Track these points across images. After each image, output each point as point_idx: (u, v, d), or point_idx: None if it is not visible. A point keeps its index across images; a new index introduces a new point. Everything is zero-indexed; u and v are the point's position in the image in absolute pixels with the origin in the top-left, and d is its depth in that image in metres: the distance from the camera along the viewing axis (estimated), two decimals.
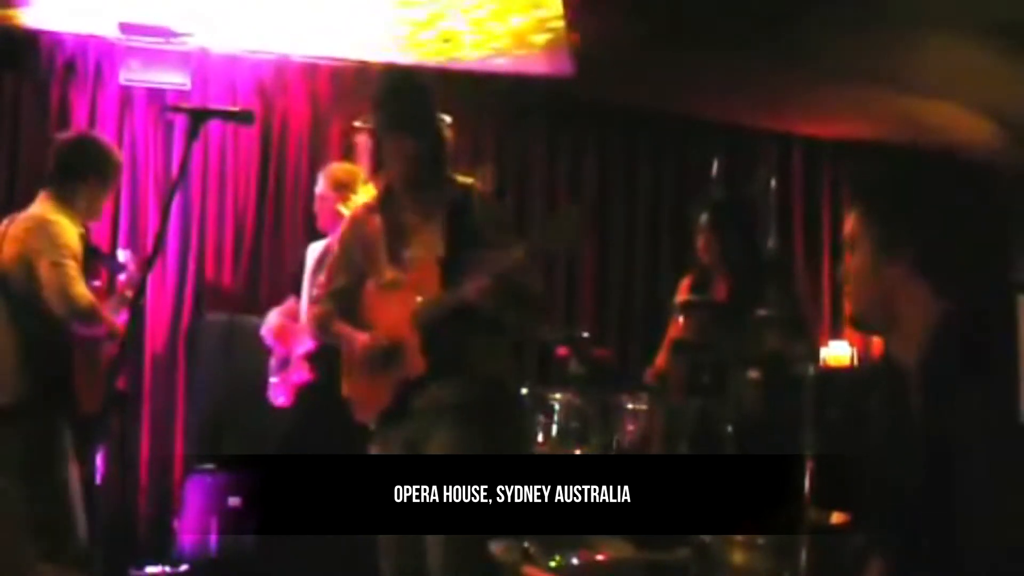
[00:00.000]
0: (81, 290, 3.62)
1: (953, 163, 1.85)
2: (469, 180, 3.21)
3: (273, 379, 4.56)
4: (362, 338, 3.14)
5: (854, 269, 1.85)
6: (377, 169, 3.21)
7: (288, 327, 4.55)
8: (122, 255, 4.11)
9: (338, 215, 4.31)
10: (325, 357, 4.09)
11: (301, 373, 4.43)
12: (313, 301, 3.45)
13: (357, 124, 3.27)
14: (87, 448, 3.90)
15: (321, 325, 3.35)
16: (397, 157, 3.10)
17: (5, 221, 3.83)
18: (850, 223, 1.85)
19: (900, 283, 1.76)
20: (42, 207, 3.77)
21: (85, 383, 3.72)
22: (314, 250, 4.55)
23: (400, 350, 3.05)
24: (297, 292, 4.64)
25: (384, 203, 3.21)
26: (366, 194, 4.48)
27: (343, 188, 4.41)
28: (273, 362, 4.58)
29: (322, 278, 3.45)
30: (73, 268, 3.63)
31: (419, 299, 3.02)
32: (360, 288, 3.23)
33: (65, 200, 3.79)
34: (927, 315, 1.73)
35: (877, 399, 1.93)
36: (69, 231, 3.70)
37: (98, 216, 4.06)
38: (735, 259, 4.26)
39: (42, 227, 3.68)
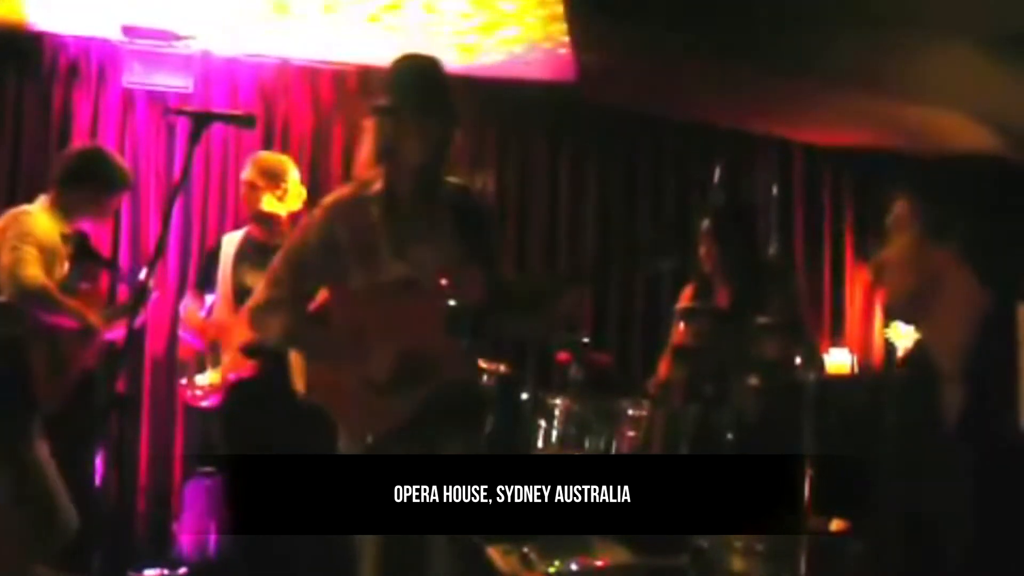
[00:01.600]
0: (31, 271, 3.60)
1: (1001, 159, 1.83)
2: (461, 181, 3.05)
3: (192, 378, 4.35)
4: (383, 354, 2.81)
5: (897, 254, 1.80)
6: (384, 156, 2.90)
7: (216, 320, 4.35)
8: (143, 274, 4.11)
9: (264, 204, 4.30)
10: (265, 349, 4.01)
11: (237, 369, 4.22)
12: (268, 303, 2.96)
13: (378, 104, 2.92)
14: (86, 450, 3.91)
15: (290, 333, 3.00)
16: (421, 144, 2.84)
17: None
18: (898, 207, 1.82)
19: (946, 268, 1.72)
20: (32, 205, 3.81)
21: (44, 375, 3.71)
22: (231, 241, 4.45)
23: (430, 361, 2.79)
24: (204, 286, 4.49)
25: (388, 194, 2.92)
26: (294, 185, 4.38)
27: (273, 177, 4.35)
28: (187, 360, 4.39)
29: (274, 274, 2.99)
30: (29, 253, 3.62)
31: (451, 303, 2.77)
32: (339, 287, 2.93)
33: (57, 202, 3.83)
34: (970, 305, 1.71)
35: (897, 402, 1.92)
36: (41, 224, 3.72)
37: (102, 220, 4.08)
38: (736, 266, 4.26)
39: (14, 218, 3.71)
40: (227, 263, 4.38)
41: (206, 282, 4.49)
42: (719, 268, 4.30)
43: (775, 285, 4.08)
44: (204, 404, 4.35)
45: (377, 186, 2.92)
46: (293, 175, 4.42)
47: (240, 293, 4.26)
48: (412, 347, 2.79)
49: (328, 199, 3.02)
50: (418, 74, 2.91)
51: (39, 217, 3.74)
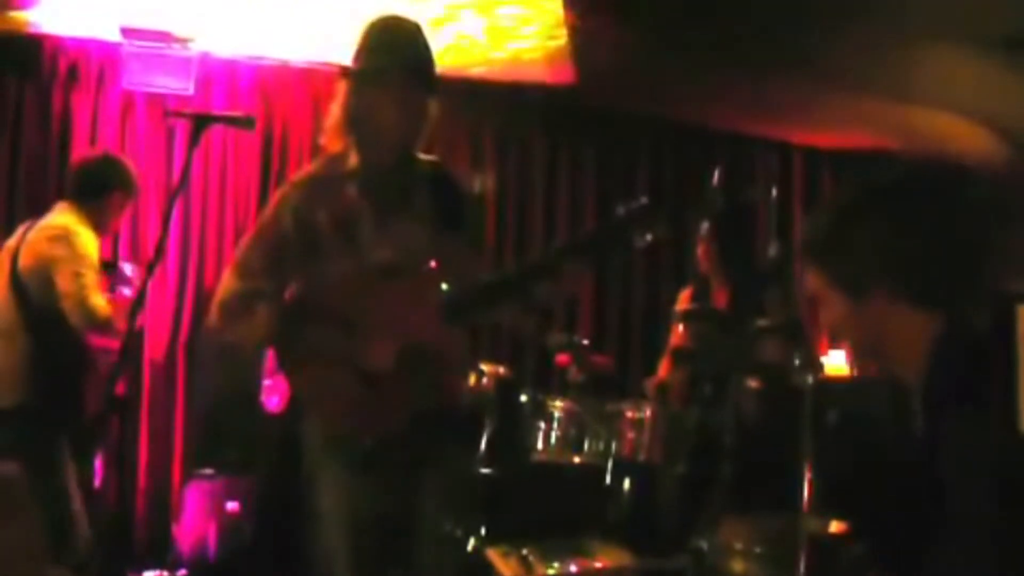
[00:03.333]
0: (100, 301, 3.70)
1: (904, 185, 1.80)
2: (434, 158, 2.78)
3: (267, 381, 4.45)
4: (382, 345, 2.55)
5: (833, 322, 1.82)
6: (357, 125, 2.64)
7: None
8: (128, 268, 4.14)
9: None
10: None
11: None
12: (242, 296, 2.63)
13: (355, 67, 2.66)
14: (86, 452, 3.92)
15: (274, 329, 2.61)
16: (401, 114, 2.59)
17: (22, 228, 3.89)
18: (811, 284, 1.83)
19: (882, 315, 1.74)
20: (65, 218, 3.84)
21: (92, 388, 3.76)
22: None
23: (431, 350, 2.56)
24: None
25: (364, 170, 2.66)
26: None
27: None
28: (269, 362, 4.45)
29: (244, 264, 2.67)
30: (91, 279, 3.71)
31: (444, 288, 2.54)
32: (321, 275, 2.63)
33: (87, 214, 3.88)
34: (921, 336, 1.72)
35: (879, 411, 1.94)
36: (90, 243, 3.78)
37: (112, 231, 4.13)
38: (735, 268, 4.26)
39: (64, 237, 3.75)
40: None
41: None
42: (718, 270, 4.31)
43: (774, 287, 4.08)
44: (273, 405, 4.43)
45: (352, 161, 2.67)
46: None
47: None
48: (412, 335, 2.54)
49: (298, 177, 2.77)
50: (401, 38, 2.67)
51: (85, 236, 3.79)
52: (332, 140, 2.70)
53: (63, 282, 3.65)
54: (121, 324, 3.79)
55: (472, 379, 4.12)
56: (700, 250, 4.35)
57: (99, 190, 3.92)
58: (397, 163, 2.66)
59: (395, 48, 2.62)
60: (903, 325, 1.73)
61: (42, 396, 3.68)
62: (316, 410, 2.65)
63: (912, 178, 1.78)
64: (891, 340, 1.76)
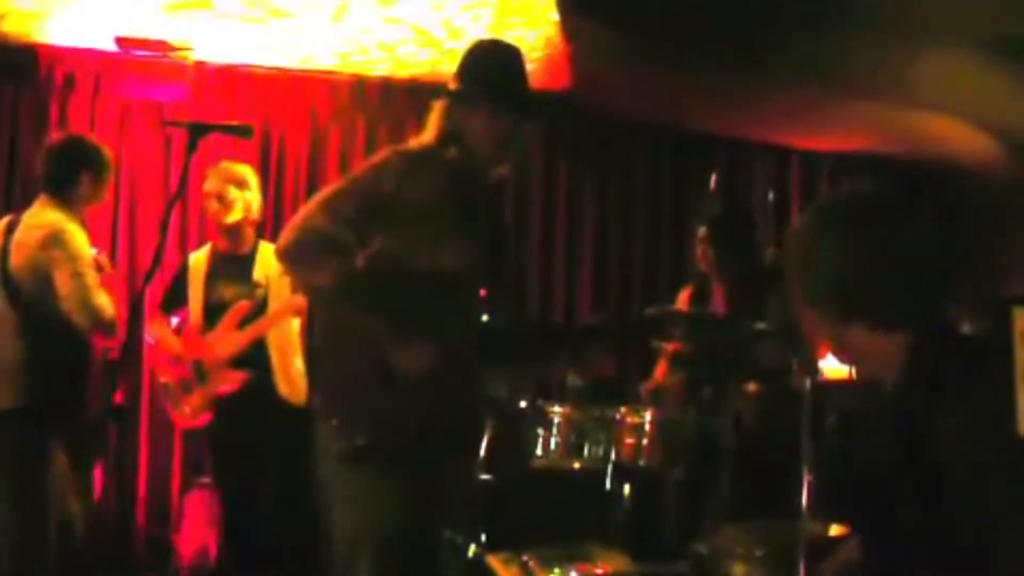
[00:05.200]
0: (103, 300, 3.67)
1: (851, 211, 1.82)
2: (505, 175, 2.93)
3: (179, 401, 4.26)
4: (421, 350, 2.52)
5: (814, 334, 1.89)
6: (449, 140, 2.70)
7: (194, 339, 4.29)
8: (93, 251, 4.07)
9: (232, 214, 4.30)
10: (256, 358, 4.04)
11: (228, 381, 4.20)
12: (325, 237, 2.53)
13: (455, 90, 2.75)
14: (84, 459, 3.92)
15: (347, 282, 2.55)
16: (497, 136, 2.71)
17: (4, 220, 3.83)
18: (776, 313, 1.90)
19: (859, 343, 1.78)
20: (50, 215, 3.77)
21: (93, 389, 3.75)
22: (198, 259, 4.43)
23: (461, 368, 2.57)
24: (170, 307, 4.45)
25: (458, 164, 2.70)
26: (256, 193, 4.34)
27: (240, 186, 4.35)
28: (171, 383, 4.31)
29: (332, 208, 2.57)
30: (92, 278, 3.68)
31: (485, 318, 2.62)
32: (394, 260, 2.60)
33: (65, 201, 3.81)
34: (895, 353, 1.73)
35: (875, 413, 1.94)
36: (81, 239, 3.74)
37: (99, 202, 4.05)
38: (733, 272, 4.27)
39: (56, 236, 3.69)
40: (197, 281, 4.36)
41: (173, 303, 4.46)
42: (716, 274, 4.31)
43: (772, 291, 4.09)
44: (196, 423, 4.31)
45: (452, 152, 2.70)
46: (255, 182, 4.43)
47: (215, 309, 4.27)
48: (451, 348, 2.53)
49: (402, 147, 2.75)
50: (523, 70, 2.80)
51: (76, 232, 3.74)
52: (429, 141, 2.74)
53: (63, 284, 3.62)
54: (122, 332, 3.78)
55: None
56: (698, 252, 4.36)
57: (68, 173, 3.82)
58: (480, 172, 2.74)
59: (523, 84, 2.78)
60: (879, 347, 1.75)
61: (40, 398, 3.65)
62: (335, 398, 2.60)
63: (857, 204, 1.80)
64: (869, 360, 1.81)
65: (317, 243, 2.55)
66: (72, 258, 3.65)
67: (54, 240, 3.68)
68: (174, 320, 4.42)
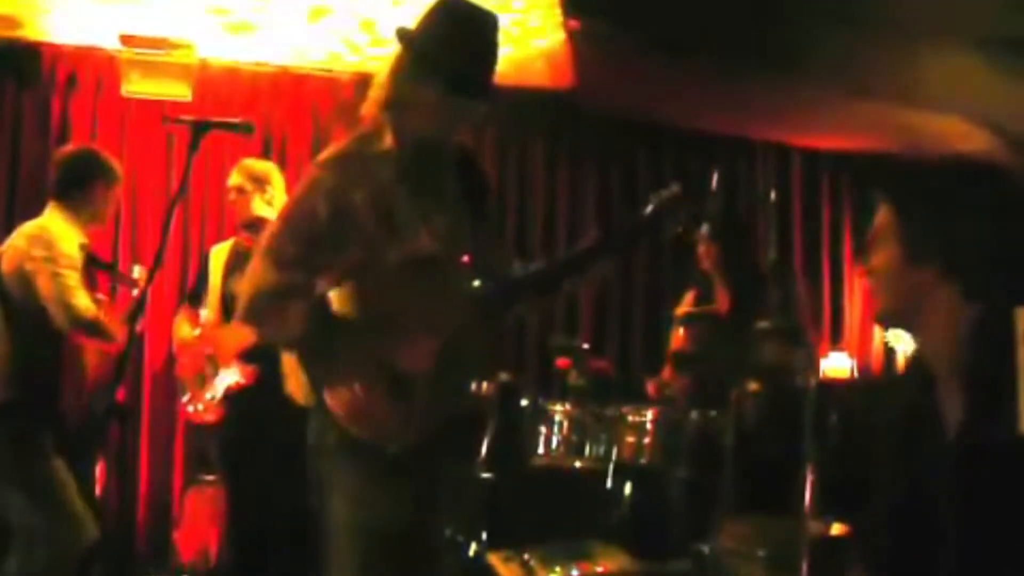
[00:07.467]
0: (83, 301, 3.66)
1: (978, 167, 1.80)
2: (460, 140, 2.64)
3: (193, 396, 4.26)
4: (422, 344, 2.39)
5: (880, 267, 1.80)
6: (393, 107, 2.45)
7: (208, 333, 4.27)
8: (137, 271, 4.12)
9: (254, 209, 4.27)
10: (263, 353, 3.89)
11: (240, 375, 4.15)
12: (279, 290, 2.42)
13: (405, 29, 2.42)
14: (82, 457, 3.93)
15: (313, 325, 2.43)
16: (450, 118, 2.45)
17: (15, 233, 3.89)
18: (881, 215, 1.81)
19: (928, 288, 1.73)
20: (46, 219, 3.83)
21: (71, 390, 3.77)
22: (219, 253, 4.42)
23: (463, 352, 2.43)
24: (196, 301, 4.42)
25: (400, 152, 2.46)
26: (280, 190, 4.28)
27: (261, 182, 4.33)
28: (185, 379, 4.30)
29: (279, 254, 2.44)
30: (73, 279, 3.68)
31: (476, 283, 2.45)
32: (357, 267, 2.45)
33: (73, 210, 3.85)
34: (957, 319, 1.71)
35: (897, 406, 1.91)
36: (67, 240, 3.74)
37: (104, 222, 4.10)
38: (735, 271, 4.27)
39: (41, 238, 3.73)
40: (217, 274, 4.37)
41: (197, 297, 4.46)
42: (718, 274, 4.31)
43: (774, 290, 4.09)
44: (208, 419, 4.27)
45: (387, 141, 2.46)
46: (279, 179, 4.43)
47: (232, 302, 4.26)
48: (452, 333, 2.40)
49: (326, 156, 2.52)
50: (471, 37, 2.42)
51: (63, 234, 3.76)
52: (371, 110, 2.49)
53: (44, 284, 3.64)
54: (119, 328, 3.78)
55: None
56: (701, 251, 4.35)
57: (80, 183, 3.87)
58: (430, 149, 2.49)
59: (490, 59, 2.42)
60: (943, 303, 1.72)
61: (21, 396, 3.68)
62: (345, 419, 2.43)
63: (975, 171, 1.78)
64: (928, 314, 1.75)
65: (270, 299, 2.44)
66: (52, 259, 3.67)
67: (37, 242, 3.71)
68: (203, 314, 4.43)
